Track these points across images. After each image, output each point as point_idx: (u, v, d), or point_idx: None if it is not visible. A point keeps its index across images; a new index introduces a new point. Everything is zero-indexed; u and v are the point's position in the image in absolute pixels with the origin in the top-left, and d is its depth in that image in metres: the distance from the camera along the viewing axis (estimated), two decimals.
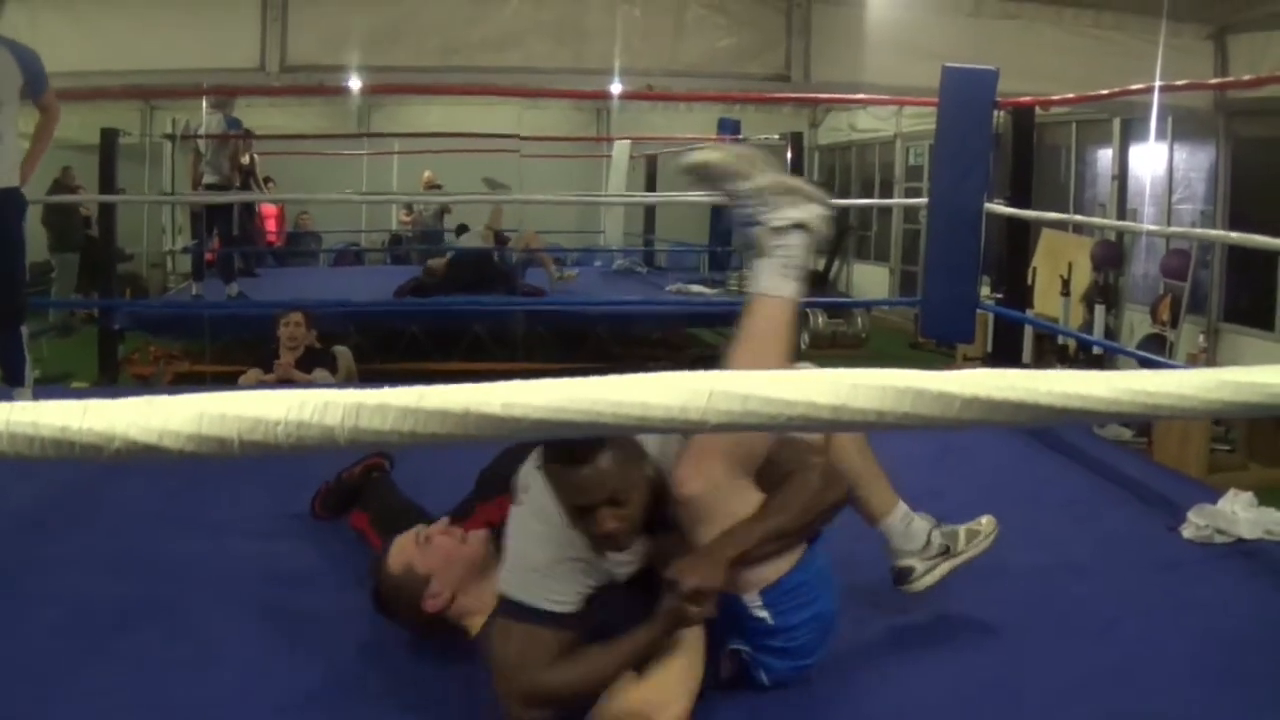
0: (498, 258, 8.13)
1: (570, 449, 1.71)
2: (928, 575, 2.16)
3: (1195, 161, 7.68)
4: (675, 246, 11.54)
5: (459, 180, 9.72)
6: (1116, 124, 8.18)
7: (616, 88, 6.61)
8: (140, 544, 2.60)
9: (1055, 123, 8.61)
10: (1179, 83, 5.65)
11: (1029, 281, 6.49)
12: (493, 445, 2.13)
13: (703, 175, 1.95)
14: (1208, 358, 6.93)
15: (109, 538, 2.65)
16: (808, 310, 8.25)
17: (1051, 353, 7.38)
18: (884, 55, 6.39)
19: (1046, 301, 7.54)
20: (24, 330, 3.58)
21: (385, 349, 6.79)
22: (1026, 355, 6.60)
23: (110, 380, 6.16)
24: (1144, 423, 4.76)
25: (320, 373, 4.72)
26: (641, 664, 1.75)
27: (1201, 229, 6.95)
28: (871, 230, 12.16)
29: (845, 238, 11.12)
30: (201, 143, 7.61)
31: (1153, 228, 7.17)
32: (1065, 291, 7.39)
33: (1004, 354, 5.40)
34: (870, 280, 11.95)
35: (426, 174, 11.11)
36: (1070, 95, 5.14)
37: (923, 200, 6.46)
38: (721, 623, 1.80)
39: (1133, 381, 0.77)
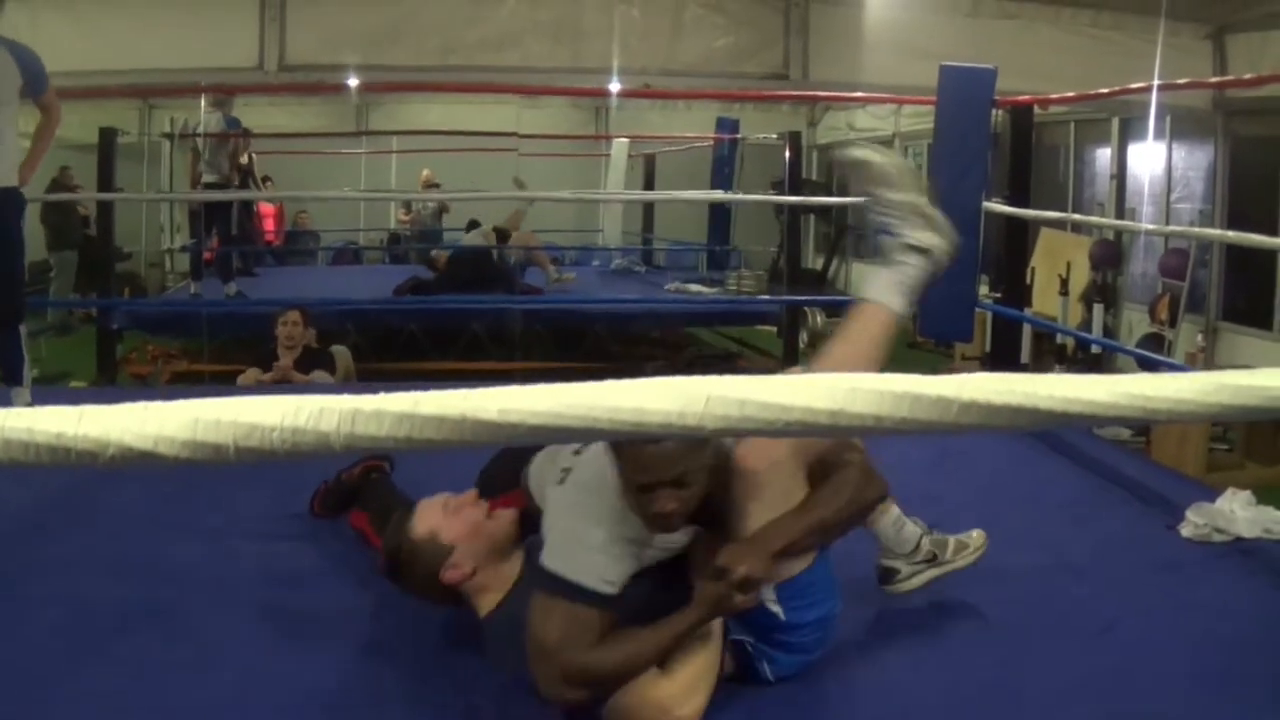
0: (496, 257, 8.12)
1: None
2: (912, 579, 2.21)
3: (1194, 161, 7.69)
4: (674, 245, 11.52)
5: (457, 178, 9.71)
6: (1115, 123, 8.17)
7: (615, 86, 6.61)
8: (140, 546, 2.60)
9: (1054, 122, 8.60)
10: (1178, 82, 5.65)
11: (1027, 281, 6.48)
12: (492, 446, 2.13)
13: (858, 172, 1.99)
14: (1206, 357, 6.93)
15: (108, 540, 2.65)
16: (806, 309, 8.25)
17: (1050, 352, 7.37)
18: (882, 54, 6.39)
19: (1045, 301, 7.54)
20: (23, 330, 3.57)
21: (383, 348, 6.79)
22: (1025, 354, 6.59)
23: (108, 380, 6.16)
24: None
25: (319, 373, 4.71)
26: (668, 654, 1.75)
27: (1200, 228, 6.96)
28: (870, 229, 12.15)
29: (844, 236, 11.12)
30: (200, 142, 7.62)
31: (1151, 227, 7.17)
32: (1064, 291, 7.39)
33: (1002, 353, 5.39)
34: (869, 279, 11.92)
35: (425, 172, 11.09)
36: (1069, 94, 5.14)
37: None
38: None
39: (1131, 385, 0.77)
